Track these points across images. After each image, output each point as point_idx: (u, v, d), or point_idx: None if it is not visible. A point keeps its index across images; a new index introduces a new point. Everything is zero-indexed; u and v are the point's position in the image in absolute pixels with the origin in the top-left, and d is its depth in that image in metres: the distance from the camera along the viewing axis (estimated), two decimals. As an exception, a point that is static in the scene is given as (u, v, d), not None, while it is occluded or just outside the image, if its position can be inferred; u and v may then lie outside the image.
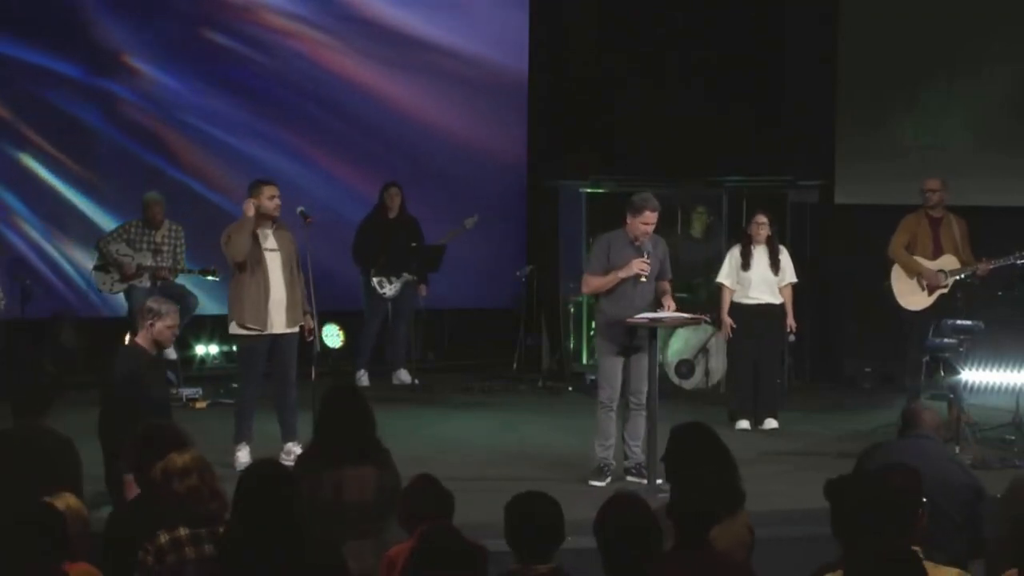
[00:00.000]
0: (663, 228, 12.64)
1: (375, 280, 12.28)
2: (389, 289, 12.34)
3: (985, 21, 12.88)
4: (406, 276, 12.33)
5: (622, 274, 8.84)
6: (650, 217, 8.85)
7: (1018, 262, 10.37)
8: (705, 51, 13.74)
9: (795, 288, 10.90)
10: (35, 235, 12.48)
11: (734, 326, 10.79)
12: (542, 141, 14.14)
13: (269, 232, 9.23)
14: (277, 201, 9.20)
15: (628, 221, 8.94)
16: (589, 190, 12.71)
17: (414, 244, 12.35)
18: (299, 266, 9.33)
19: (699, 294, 12.62)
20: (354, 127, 13.56)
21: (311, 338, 9.35)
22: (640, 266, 8.81)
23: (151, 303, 7.97)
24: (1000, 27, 12.85)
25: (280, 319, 9.20)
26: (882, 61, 13.21)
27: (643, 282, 8.90)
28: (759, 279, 10.76)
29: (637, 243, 8.92)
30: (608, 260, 8.94)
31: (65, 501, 5.30)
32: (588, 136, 13.97)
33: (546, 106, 14.16)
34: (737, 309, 10.79)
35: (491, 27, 13.96)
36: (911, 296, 10.73)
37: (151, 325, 7.73)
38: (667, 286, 9.15)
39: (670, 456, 5.60)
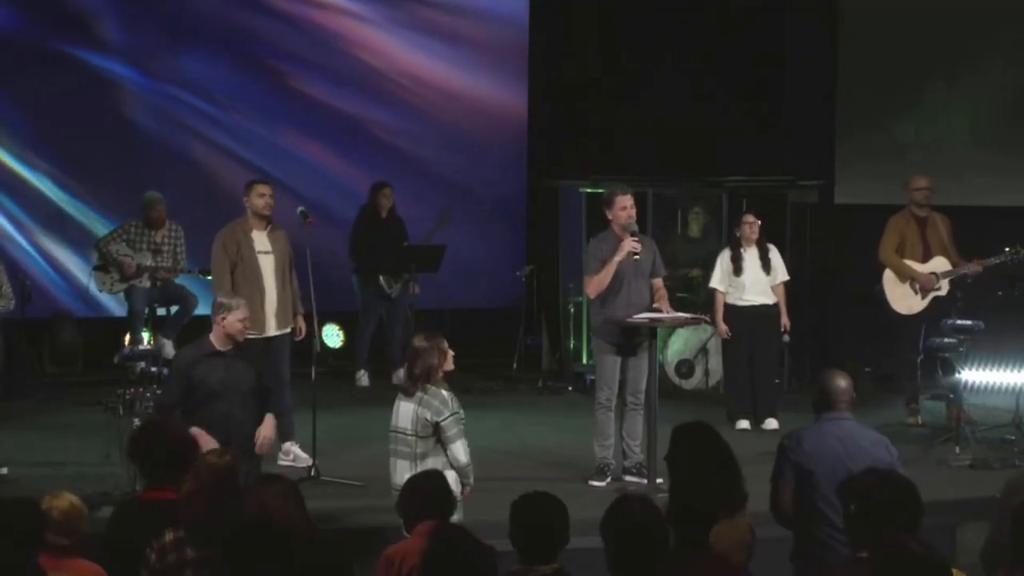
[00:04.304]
0: (663, 228, 12.79)
1: (383, 280, 12.27)
2: (395, 290, 12.35)
3: (985, 21, 12.89)
4: (405, 276, 12.34)
5: (617, 258, 8.85)
6: (624, 201, 8.93)
7: (1009, 260, 10.36)
8: (705, 51, 13.74)
9: (787, 286, 10.89)
10: (35, 235, 12.47)
11: (729, 333, 10.78)
12: (542, 141, 14.14)
13: (264, 234, 9.22)
14: (267, 200, 9.20)
15: (610, 217, 9.02)
16: (589, 190, 12.71)
17: (406, 244, 12.33)
18: (291, 267, 9.33)
19: (699, 293, 12.62)
20: (352, 124, 13.55)
21: (301, 338, 9.33)
22: (631, 244, 8.82)
23: (221, 298, 7.91)
24: (1000, 27, 12.86)
25: (273, 321, 9.20)
26: (882, 61, 13.21)
27: (639, 278, 8.90)
28: (752, 281, 10.73)
29: (624, 234, 8.95)
30: (601, 258, 8.95)
31: (66, 499, 5.31)
32: (588, 136, 13.97)
33: (546, 106, 14.16)
34: (732, 311, 10.77)
35: (492, 29, 13.95)
36: (904, 300, 10.70)
37: (223, 319, 7.70)
38: (661, 285, 9.16)
39: (672, 456, 5.58)
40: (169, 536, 5.19)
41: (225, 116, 13.10)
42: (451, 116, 13.83)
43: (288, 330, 9.26)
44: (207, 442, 7.00)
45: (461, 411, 7.10)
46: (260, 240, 9.20)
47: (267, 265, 9.19)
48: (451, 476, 6.79)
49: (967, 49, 12.86)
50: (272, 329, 9.19)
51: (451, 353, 7.20)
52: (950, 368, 10.13)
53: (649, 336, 8.90)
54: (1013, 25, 12.80)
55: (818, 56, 13.54)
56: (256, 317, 9.10)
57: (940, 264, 10.60)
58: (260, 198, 9.18)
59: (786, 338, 11.01)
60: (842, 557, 5.90)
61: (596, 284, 8.96)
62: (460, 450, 7.03)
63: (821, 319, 13.16)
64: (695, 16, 13.76)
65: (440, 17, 13.80)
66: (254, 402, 7.70)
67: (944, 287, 10.55)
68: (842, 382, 6.23)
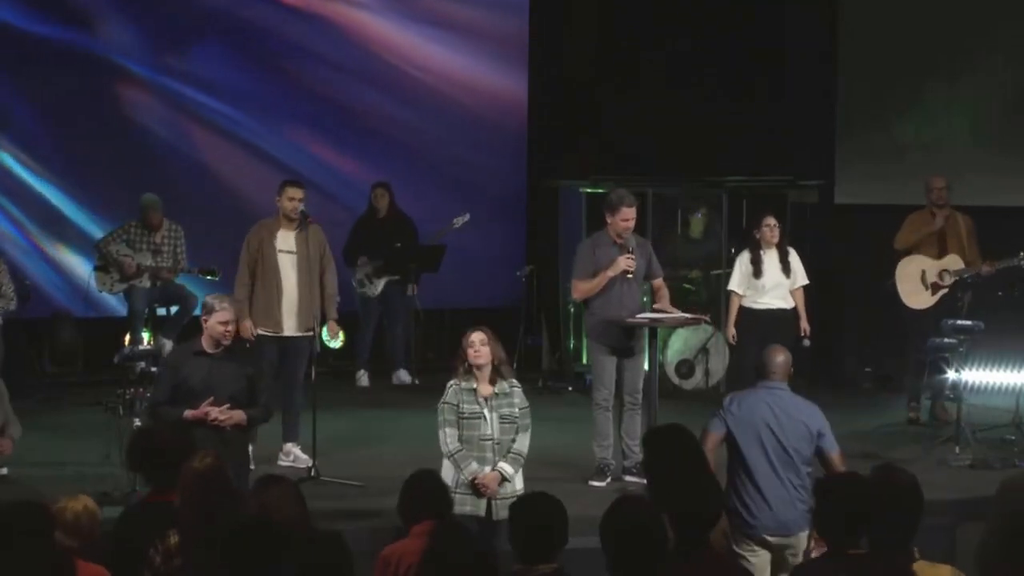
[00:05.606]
0: (663, 228, 12.78)
1: (355, 280, 12.27)
2: (370, 289, 12.33)
3: (986, 21, 12.89)
4: (388, 276, 12.30)
5: (610, 273, 8.84)
6: (628, 213, 8.89)
7: (1023, 263, 10.40)
8: (705, 51, 13.73)
9: (806, 290, 10.73)
10: (35, 235, 12.46)
11: (735, 338, 10.59)
12: (542, 141, 14.13)
13: (291, 233, 9.20)
14: (296, 204, 9.17)
15: (608, 220, 8.99)
16: (589, 190, 12.71)
17: (399, 244, 12.31)
18: (326, 269, 9.26)
19: (699, 294, 12.60)
20: (353, 121, 13.53)
21: (337, 341, 9.44)
22: (626, 263, 8.81)
23: (209, 299, 7.89)
24: (1000, 27, 12.86)
25: (291, 322, 9.15)
26: (882, 61, 13.21)
27: (630, 279, 8.90)
28: (772, 285, 10.48)
29: (620, 240, 8.93)
30: (594, 262, 8.94)
31: (82, 502, 5.32)
32: (588, 136, 13.96)
33: (546, 105, 14.15)
34: (747, 314, 10.52)
35: (491, 31, 13.94)
36: (916, 296, 10.74)
37: (205, 320, 7.67)
38: (662, 284, 9.16)
39: (651, 461, 5.60)
40: (174, 539, 5.19)
41: (227, 112, 13.07)
42: (452, 117, 13.81)
43: (310, 333, 9.06)
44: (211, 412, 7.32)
45: (454, 402, 7.48)
46: (284, 239, 9.18)
47: (287, 264, 9.14)
48: (448, 470, 6.99)
49: (967, 46, 12.86)
50: (290, 329, 9.14)
51: (473, 349, 7.41)
52: (950, 368, 10.14)
53: (649, 336, 8.89)
54: (1013, 21, 12.79)
55: (818, 56, 13.53)
56: (272, 315, 9.08)
57: (953, 262, 10.67)
58: (290, 201, 9.18)
59: (806, 342, 10.56)
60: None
61: (585, 291, 8.98)
62: (440, 438, 7.34)
63: (821, 319, 13.13)
64: (695, 16, 13.75)
65: (441, 8, 13.78)
66: (237, 406, 7.53)
67: (951, 284, 10.61)
68: (780, 356, 6.99)
